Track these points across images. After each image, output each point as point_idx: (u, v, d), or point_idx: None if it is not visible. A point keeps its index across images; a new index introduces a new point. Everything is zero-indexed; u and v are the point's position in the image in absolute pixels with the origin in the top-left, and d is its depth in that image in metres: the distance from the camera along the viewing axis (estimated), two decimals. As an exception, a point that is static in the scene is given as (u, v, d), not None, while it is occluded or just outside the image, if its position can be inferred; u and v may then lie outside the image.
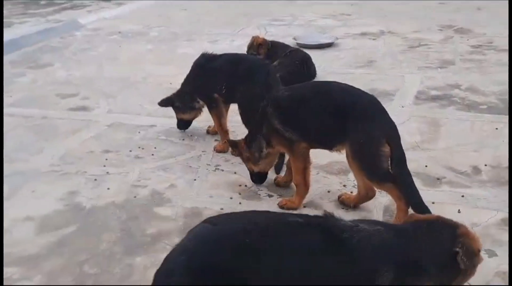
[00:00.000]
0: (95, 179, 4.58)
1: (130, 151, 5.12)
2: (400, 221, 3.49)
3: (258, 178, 4.36)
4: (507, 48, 7.96)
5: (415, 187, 3.61)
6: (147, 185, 4.48)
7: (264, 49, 7.11)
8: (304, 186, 4.01)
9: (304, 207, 4.03)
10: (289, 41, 8.07)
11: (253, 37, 7.32)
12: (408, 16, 10.64)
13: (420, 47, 8.36)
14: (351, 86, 3.88)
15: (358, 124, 3.58)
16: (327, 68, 7.37)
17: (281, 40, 7.58)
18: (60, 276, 3.40)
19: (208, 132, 5.51)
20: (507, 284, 3.16)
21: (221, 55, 5.16)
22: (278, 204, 4.05)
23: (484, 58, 7.60)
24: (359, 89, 3.84)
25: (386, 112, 3.71)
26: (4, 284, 3.36)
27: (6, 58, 8.47)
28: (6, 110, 6.24)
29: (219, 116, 5.11)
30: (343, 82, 6.34)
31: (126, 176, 4.64)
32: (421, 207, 3.51)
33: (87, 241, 3.75)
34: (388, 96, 6.17)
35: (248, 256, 2.42)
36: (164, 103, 5.43)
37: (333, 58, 7.97)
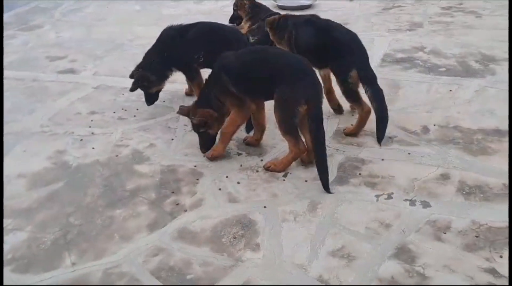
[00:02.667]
0: (81, 139, 4.91)
1: (114, 112, 5.41)
2: (285, 162, 4.33)
3: (213, 141, 4.63)
4: (475, 10, 8.18)
5: (324, 145, 4.11)
6: (129, 144, 4.81)
7: (245, 6, 7.28)
8: (230, 138, 4.59)
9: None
10: (270, 3, 8.19)
11: None
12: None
13: (393, 9, 8.54)
14: (285, 51, 4.48)
15: (283, 84, 4.14)
16: (304, 30, 7.63)
17: (263, 2, 7.65)
18: (49, 226, 3.75)
19: (186, 94, 5.78)
20: (440, 234, 3.53)
21: (194, 25, 5.33)
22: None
23: (452, 20, 7.79)
24: (290, 54, 4.42)
25: (313, 75, 4.23)
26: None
27: (-3, 20, 8.63)
28: (-2, 72, 6.50)
29: (199, 84, 5.27)
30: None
31: (110, 136, 4.96)
32: (322, 163, 4.06)
33: (73, 195, 4.10)
34: (356, 58, 6.46)
35: None
36: (138, 79, 5.33)
37: (311, 19, 8.18)
